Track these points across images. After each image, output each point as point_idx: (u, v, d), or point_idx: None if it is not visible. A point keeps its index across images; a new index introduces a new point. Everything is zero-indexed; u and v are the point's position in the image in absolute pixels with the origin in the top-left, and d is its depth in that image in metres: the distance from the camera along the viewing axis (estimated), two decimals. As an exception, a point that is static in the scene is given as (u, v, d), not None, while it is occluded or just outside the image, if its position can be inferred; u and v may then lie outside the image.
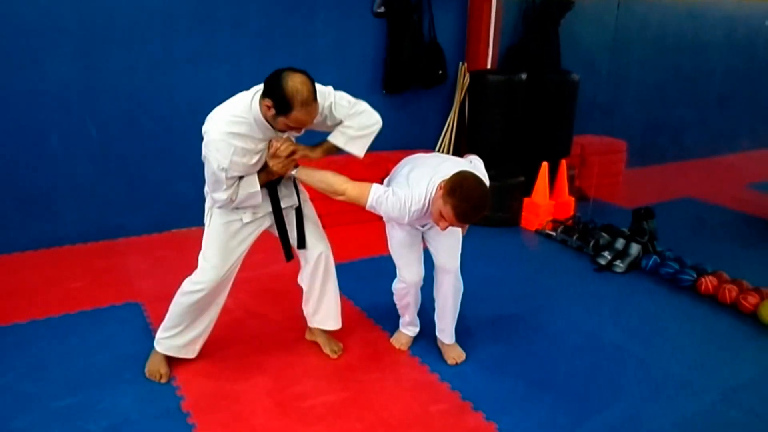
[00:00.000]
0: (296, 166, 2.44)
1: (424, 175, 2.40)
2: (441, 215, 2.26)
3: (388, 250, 2.79)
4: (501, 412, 2.49)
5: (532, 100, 4.75)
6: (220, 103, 4.11)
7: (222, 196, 2.31)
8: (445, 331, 2.86)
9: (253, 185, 2.37)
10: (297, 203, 2.60)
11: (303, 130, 2.38)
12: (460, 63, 5.16)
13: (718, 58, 7.09)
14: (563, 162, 4.81)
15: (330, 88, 2.37)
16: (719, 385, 2.75)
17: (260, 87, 2.24)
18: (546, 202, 4.64)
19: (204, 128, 2.26)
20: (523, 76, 4.64)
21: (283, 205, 2.55)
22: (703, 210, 5.48)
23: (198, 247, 2.54)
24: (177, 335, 2.61)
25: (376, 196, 2.36)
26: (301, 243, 2.62)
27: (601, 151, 5.70)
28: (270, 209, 2.52)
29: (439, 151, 5.23)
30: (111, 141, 3.95)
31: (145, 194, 4.16)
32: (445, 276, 2.74)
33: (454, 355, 2.85)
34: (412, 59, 4.77)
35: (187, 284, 2.52)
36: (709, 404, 2.62)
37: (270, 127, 2.26)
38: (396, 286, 2.84)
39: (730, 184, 6.34)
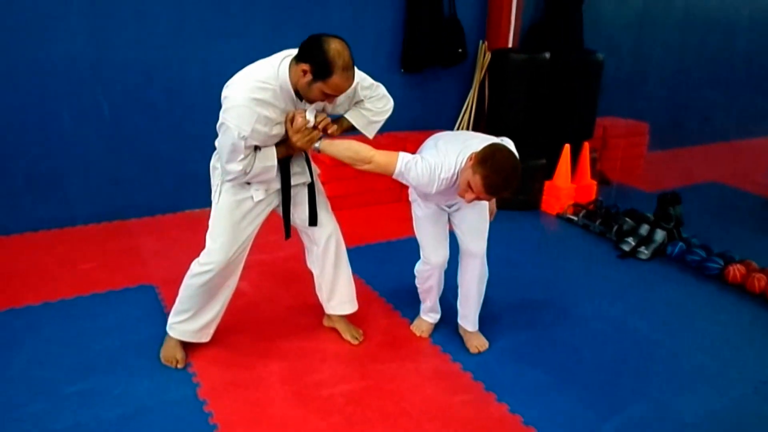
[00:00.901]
0: (320, 139, 2.31)
1: (455, 146, 2.32)
2: (468, 186, 2.17)
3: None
4: (526, 404, 2.41)
5: (555, 81, 4.60)
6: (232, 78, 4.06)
7: (237, 167, 2.18)
8: (468, 317, 2.77)
9: (270, 158, 2.24)
10: (309, 180, 2.49)
11: (335, 103, 2.28)
12: (480, 41, 5.00)
13: (743, 37, 6.86)
14: (586, 144, 4.67)
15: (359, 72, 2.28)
16: (750, 378, 2.66)
17: (287, 53, 2.14)
18: (568, 185, 4.52)
19: (224, 94, 2.14)
20: (547, 55, 4.48)
21: (294, 182, 2.44)
22: (728, 195, 5.32)
23: None
24: (189, 320, 2.54)
25: (405, 161, 2.25)
26: (313, 220, 2.52)
27: (623, 133, 5.55)
28: (279, 186, 2.41)
29: (458, 130, 5.09)
30: (122, 118, 3.86)
31: (158, 173, 4.08)
32: (471, 260, 2.65)
33: (477, 343, 2.76)
34: (431, 37, 4.62)
35: (195, 266, 2.44)
36: (740, 397, 2.53)
37: (295, 96, 2.15)
38: (419, 267, 2.75)
39: (756, 168, 6.16)
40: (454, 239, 2.69)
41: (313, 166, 2.56)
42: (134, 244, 3.68)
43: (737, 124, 7.05)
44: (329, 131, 2.31)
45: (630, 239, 3.96)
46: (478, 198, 2.20)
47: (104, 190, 3.94)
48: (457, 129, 5.09)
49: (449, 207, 2.61)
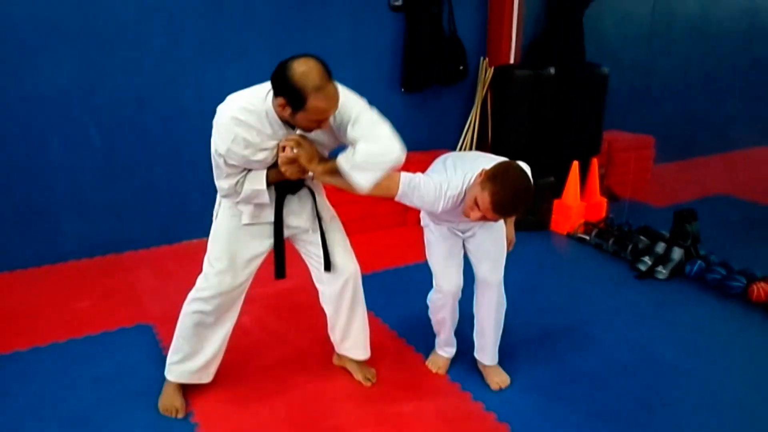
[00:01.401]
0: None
1: (463, 165, 2.19)
2: (475, 203, 2.01)
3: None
4: (556, 447, 2.24)
5: (560, 96, 4.48)
6: (229, 105, 3.91)
7: (223, 184, 2.09)
8: (486, 351, 2.60)
9: (258, 182, 2.09)
10: (307, 227, 2.31)
11: (328, 126, 2.03)
12: (481, 58, 4.88)
13: (742, 48, 6.79)
14: (594, 160, 4.54)
15: (359, 100, 2.05)
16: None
17: None
18: (578, 203, 4.38)
19: (217, 109, 2.02)
20: (552, 70, 4.36)
21: (291, 223, 2.29)
22: (738, 207, 5.19)
23: None
24: (187, 359, 2.36)
25: (408, 180, 2.08)
26: (327, 266, 2.35)
27: (628, 147, 5.43)
28: (272, 219, 2.25)
29: (460, 150, 4.96)
30: (115, 147, 3.69)
31: (152, 203, 3.91)
32: (487, 289, 2.50)
33: (498, 379, 2.59)
34: (432, 55, 4.50)
35: (192, 294, 2.30)
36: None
37: (284, 125, 2.00)
38: (432, 296, 2.59)
39: (763, 178, 6.05)
40: (469, 267, 2.53)
41: (327, 206, 2.38)
42: (129, 280, 3.50)
43: (740, 133, 6.96)
44: (298, 163, 2.04)
45: (646, 258, 3.81)
46: (484, 218, 2.04)
47: (96, 223, 3.76)
48: (461, 147, 4.95)
49: (463, 232, 2.46)
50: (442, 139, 4.92)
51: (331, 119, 1.98)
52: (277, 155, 2.05)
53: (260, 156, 2.03)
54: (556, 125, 4.53)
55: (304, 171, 2.08)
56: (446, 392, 2.55)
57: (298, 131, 2.03)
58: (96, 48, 3.48)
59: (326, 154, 2.19)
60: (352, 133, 1.97)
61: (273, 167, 2.10)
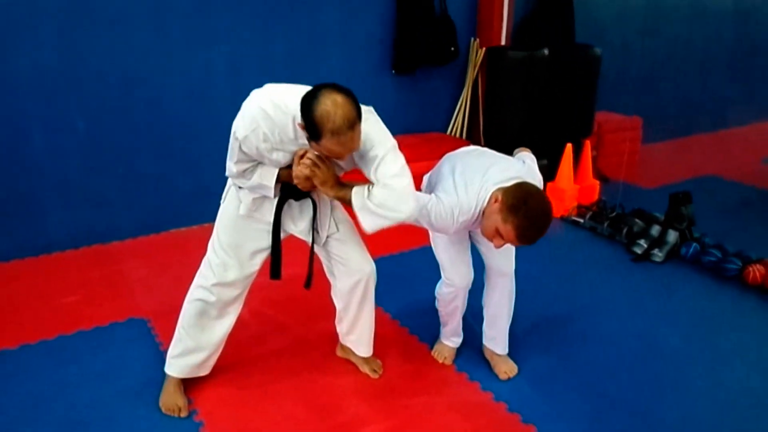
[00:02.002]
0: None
1: (474, 180, 2.10)
2: (498, 233, 2.01)
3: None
4: (569, 436, 2.21)
5: (553, 77, 4.42)
6: (218, 88, 3.78)
7: (232, 167, 2.01)
8: (498, 340, 2.57)
9: (268, 178, 2.02)
10: (303, 237, 2.24)
11: (346, 159, 1.98)
12: (472, 39, 4.80)
13: (727, 27, 6.80)
14: (587, 143, 4.51)
15: (388, 138, 1.95)
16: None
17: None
18: (571, 186, 4.35)
19: (252, 93, 1.94)
20: (546, 51, 4.30)
21: (287, 228, 2.23)
22: (727, 188, 5.21)
23: (201, 249, 2.24)
24: (189, 352, 2.30)
25: (421, 207, 2.05)
26: (307, 282, 2.28)
27: (618, 128, 5.40)
28: (271, 218, 2.18)
29: (451, 132, 4.89)
30: (100, 134, 3.53)
31: (140, 191, 3.77)
32: (500, 279, 2.46)
33: (506, 368, 2.56)
34: (423, 36, 4.39)
35: (195, 282, 2.26)
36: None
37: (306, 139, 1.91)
38: (441, 290, 2.53)
39: (749, 158, 6.09)
40: (475, 255, 2.48)
41: (336, 205, 2.28)
42: (118, 271, 3.38)
43: (726, 113, 7.00)
44: (312, 182, 1.99)
45: (642, 241, 3.81)
46: (510, 244, 2.06)
47: (81, 212, 3.61)
48: (452, 130, 4.88)
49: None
50: (433, 121, 4.85)
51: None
52: (292, 161, 1.97)
53: (275, 155, 1.94)
54: (549, 107, 4.48)
55: (316, 187, 2.02)
56: (455, 383, 2.51)
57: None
58: (79, 29, 3.31)
59: (341, 172, 2.11)
60: (373, 174, 1.94)
61: (286, 168, 2.01)
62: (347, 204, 2.02)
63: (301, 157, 1.94)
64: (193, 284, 2.27)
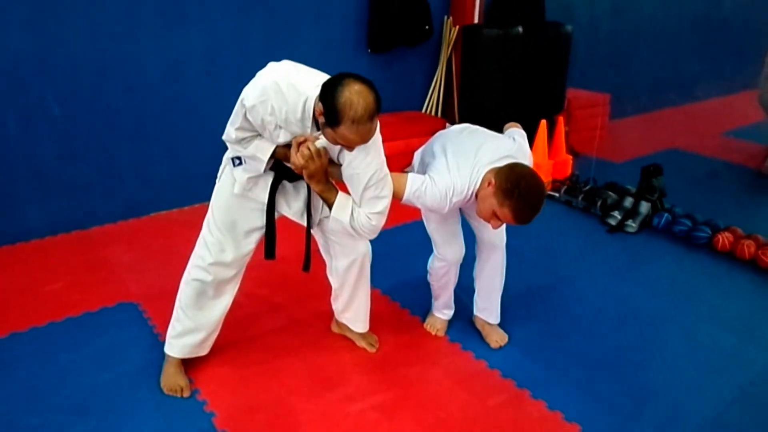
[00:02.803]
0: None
1: (466, 161, 2.17)
2: (495, 215, 2.09)
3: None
4: (562, 398, 2.32)
5: (527, 55, 4.49)
6: (195, 69, 3.75)
7: (231, 132, 2.01)
8: (491, 309, 2.66)
9: (264, 152, 2.03)
10: (296, 219, 2.27)
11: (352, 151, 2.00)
12: (445, 17, 4.83)
13: (692, 5, 6.99)
14: (560, 119, 4.62)
15: (380, 153, 2.03)
16: (765, 349, 2.68)
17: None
18: (546, 162, 4.45)
19: (269, 65, 1.95)
20: (520, 29, 4.36)
21: (280, 209, 2.25)
22: (690, 160, 5.41)
23: (185, 232, 2.26)
24: (189, 332, 2.31)
25: (414, 189, 2.12)
26: (305, 265, 2.29)
27: (587, 104, 5.53)
28: (266, 198, 2.19)
29: (426, 110, 4.94)
30: (75, 118, 3.45)
31: (118, 176, 3.71)
32: (492, 251, 2.55)
33: (497, 337, 2.65)
34: (398, 14, 4.41)
35: (191, 261, 2.27)
36: (762, 371, 2.53)
37: (314, 122, 1.93)
38: (434, 264, 2.59)
39: (709, 131, 6.32)
40: (466, 228, 2.55)
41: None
42: (101, 256, 3.34)
43: (689, 89, 7.21)
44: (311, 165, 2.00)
45: (616, 213, 3.95)
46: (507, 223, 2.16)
47: (59, 199, 3.54)
48: (427, 108, 4.93)
49: None
50: (408, 99, 4.89)
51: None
52: (290, 144, 1.99)
53: (276, 132, 1.95)
54: (523, 84, 4.56)
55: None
56: (449, 353, 2.59)
57: (322, 138, 1.95)
58: (51, 12, 3.21)
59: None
60: (357, 195, 2.05)
61: (284, 147, 2.03)
62: (326, 203, 2.09)
63: (300, 144, 1.95)
64: (189, 264, 2.28)
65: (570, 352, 2.61)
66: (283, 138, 1.98)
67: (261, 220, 2.23)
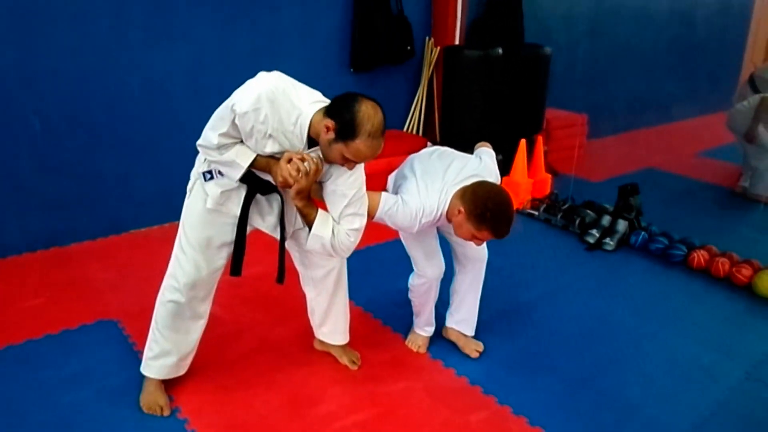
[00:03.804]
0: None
1: (434, 183, 2.26)
2: (475, 237, 2.20)
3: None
4: (543, 414, 2.34)
5: (506, 76, 4.58)
6: (178, 85, 3.76)
7: (213, 138, 1.93)
8: (468, 321, 2.72)
9: (244, 158, 1.97)
10: (270, 232, 2.26)
11: (353, 168, 2.03)
12: (427, 38, 4.91)
13: (668, 28, 7.18)
14: (540, 138, 4.70)
15: (363, 175, 2.09)
16: (740, 363, 2.73)
17: (325, 101, 1.97)
18: (526, 180, 4.53)
19: (260, 74, 1.94)
20: (500, 50, 4.45)
21: (254, 222, 2.22)
22: (665, 180, 5.52)
23: (166, 249, 2.23)
24: (166, 354, 2.28)
25: (387, 208, 2.21)
26: (279, 277, 2.24)
27: (565, 124, 5.64)
28: (238, 211, 2.15)
29: (408, 129, 5.00)
30: (56, 133, 3.44)
31: (98, 192, 3.68)
32: (474, 264, 2.62)
33: (475, 346, 2.71)
34: (381, 34, 4.47)
35: (165, 282, 2.23)
36: (737, 384, 2.58)
37: (307, 140, 1.94)
38: (414, 282, 2.62)
39: (684, 151, 6.47)
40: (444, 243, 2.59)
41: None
42: (81, 273, 3.30)
43: (664, 110, 7.38)
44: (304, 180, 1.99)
45: (594, 231, 4.01)
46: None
47: (38, 215, 3.50)
48: (408, 125, 4.99)
49: None
50: (390, 118, 4.79)
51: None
52: (274, 156, 1.99)
53: (264, 141, 1.94)
54: (503, 104, 4.64)
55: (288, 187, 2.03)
56: (431, 369, 2.61)
57: (317, 153, 1.96)
58: (34, 25, 3.21)
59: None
60: (336, 212, 2.08)
61: (265, 157, 2.01)
62: (305, 219, 2.10)
63: (290, 160, 1.94)
64: (163, 285, 2.23)
65: (550, 368, 2.64)
66: (270, 148, 1.96)
67: (232, 235, 2.18)
